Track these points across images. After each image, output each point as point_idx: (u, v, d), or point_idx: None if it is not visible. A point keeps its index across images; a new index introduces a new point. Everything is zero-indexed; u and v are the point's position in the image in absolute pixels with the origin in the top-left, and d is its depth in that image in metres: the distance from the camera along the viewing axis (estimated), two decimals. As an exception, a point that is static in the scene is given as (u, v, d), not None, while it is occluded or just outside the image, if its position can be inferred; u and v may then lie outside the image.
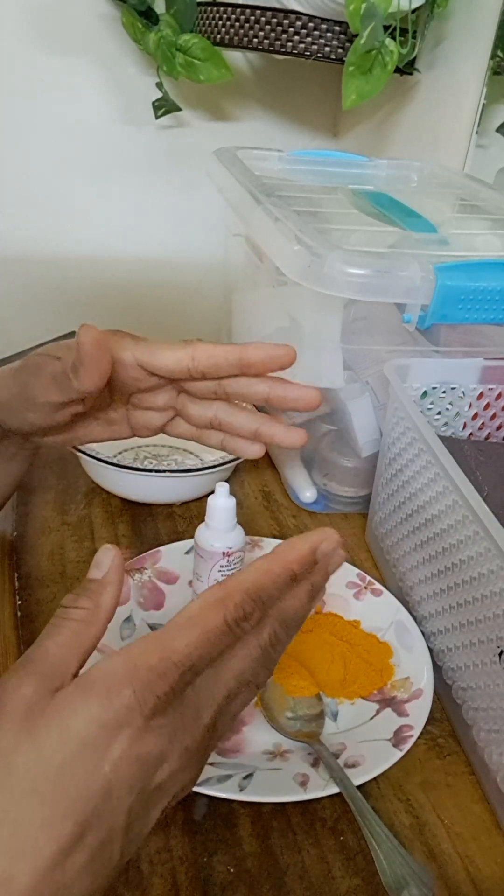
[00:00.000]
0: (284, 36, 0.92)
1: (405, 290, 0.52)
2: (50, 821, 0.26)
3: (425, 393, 0.60)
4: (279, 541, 0.62)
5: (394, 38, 0.86)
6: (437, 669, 0.50)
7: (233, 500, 0.52)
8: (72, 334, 1.05)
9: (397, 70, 0.90)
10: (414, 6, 0.85)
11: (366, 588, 0.58)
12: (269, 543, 0.61)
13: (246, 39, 0.95)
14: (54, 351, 0.43)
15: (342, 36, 0.91)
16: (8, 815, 0.26)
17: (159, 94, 1.12)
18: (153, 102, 1.13)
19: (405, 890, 0.37)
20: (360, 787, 0.42)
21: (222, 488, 0.52)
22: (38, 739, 0.27)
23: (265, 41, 0.94)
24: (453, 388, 0.61)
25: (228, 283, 0.92)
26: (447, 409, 0.62)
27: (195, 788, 0.40)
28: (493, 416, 0.63)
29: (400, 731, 0.46)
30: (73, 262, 1.28)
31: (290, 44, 0.93)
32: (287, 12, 0.91)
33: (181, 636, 0.29)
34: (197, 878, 0.40)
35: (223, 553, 0.52)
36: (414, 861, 0.39)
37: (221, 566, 0.53)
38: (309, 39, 0.92)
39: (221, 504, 0.52)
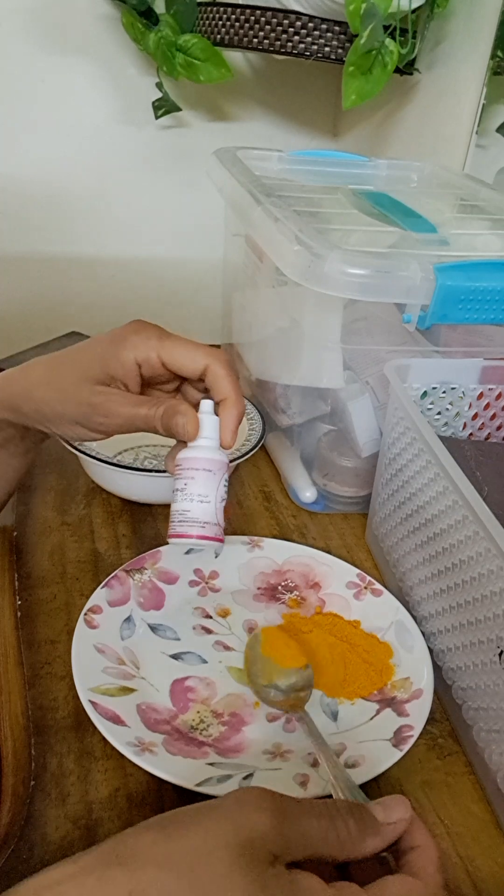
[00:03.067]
0: (284, 36, 0.92)
1: (405, 290, 0.52)
2: None
3: (425, 393, 0.60)
4: (279, 541, 0.62)
5: (394, 38, 0.86)
6: (437, 669, 0.50)
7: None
8: (72, 334, 1.05)
9: (397, 70, 0.90)
10: (414, 6, 0.85)
11: (366, 588, 0.58)
12: (269, 543, 0.61)
13: (246, 39, 0.95)
14: (111, 375, 0.47)
15: (342, 36, 0.91)
16: None
17: (159, 94, 1.12)
18: (153, 102, 1.13)
19: None
20: (359, 787, 0.42)
21: (208, 402, 0.48)
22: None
23: (265, 41, 0.94)
24: (453, 388, 0.61)
25: (228, 283, 0.92)
26: (447, 409, 0.62)
27: (196, 788, 0.40)
28: (493, 416, 0.63)
29: (400, 731, 0.46)
30: (73, 262, 1.28)
31: (290, 44, 0.93)
32: (287, 12, 0.91)
33: None
34: (197, 878, 0.40)
35: (227, 464, 0.49)
36: None
37: (226, 481, 0.49)
38: (309, 39, 0.92)
39: (215, 417, 0.48)
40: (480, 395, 0.61)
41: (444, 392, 0.60)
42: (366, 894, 0.30)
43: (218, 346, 0.50)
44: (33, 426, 0.51)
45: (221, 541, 0.48)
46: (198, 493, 0.47)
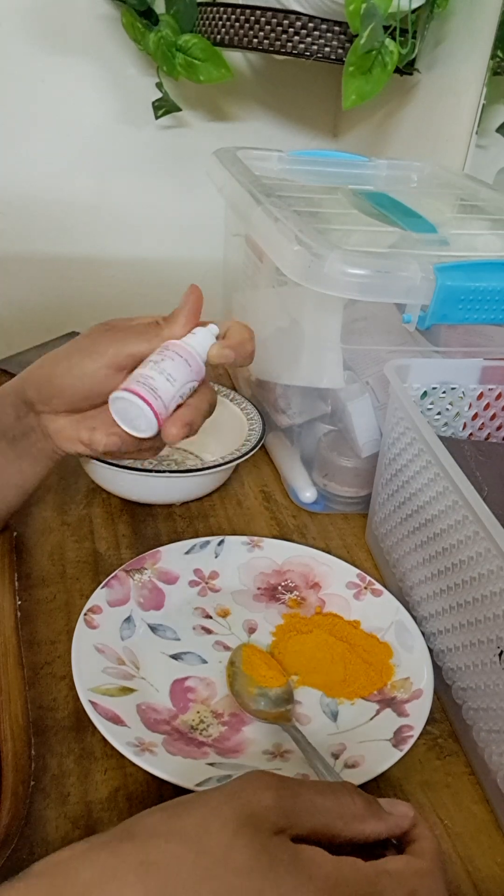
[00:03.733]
0: (284, 36, 0.92)
1: (405, 290, 0.52)
2: None
3: (425, 393, 0.60)
4: (279, 541, 0.62)
5: (394, 38, 0.86)
6: (437, 669, 0.50)
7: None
8: (72, 335, 1.06)
9: (397, 70, 0.90)
10: (414, 6, 0.85)
11: (366, 588, 0.58)
12: (269, 543, 0.61)
13: (246, 39, 0.95)
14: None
15: (342, 36, 0.91)
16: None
17: (159, 94, 1.12)
18: (153, 102, 1.13)
19: None
20: (359, 787, 0.42)
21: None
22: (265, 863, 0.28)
23: (265, 41, 0.94)
24: (453, 388, 0.61)
25: (228, 283, 0.92)
26: (447, 409, 0.62)
27: (196, 788, 0.40)
28: (493, 416, 0.63)
29: (400, 731, 0.46)
30: (73, 262, 1.28)
31: (290, 44, 0.93)
32: (287, 12, 0.91)
33: None
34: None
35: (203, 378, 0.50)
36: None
37: (192, 388, 0.49)
38: (309, 39, 0.92)
39: (212, 338, 0.50)
40: (480, 395, 0.61)
41: (444, 392, 0.60)
42: (368, 867, 0.30)
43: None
44: (46, 409, 0.52)
45: (159, 425, 0.48)
46: (168, 372, 0.47)
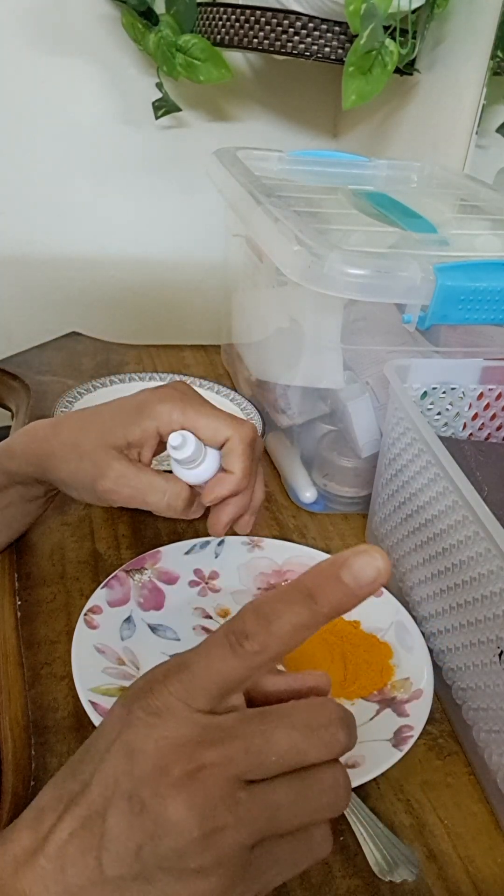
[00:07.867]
0: (284, 36, 0.92)
1: (405, 290, 0.52)
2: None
3: (425, 393, 0.60)
4: (279, 541, 0.62)
5: (394, 38, 0.86)
6: (437, 670, 0.50)
7: (190, 437, 0.48)
8: (72, 335, 1.05)
9: (397, 70, 0.90)
10: (414, 6, 0.85)
11: (366, 588, 0.58)
12: (269, 543, 0.61)
13: (246, 40, 0.95)
14: (129, 441, 0.48)
15: (342, 36, 0.91)
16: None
17: (159, 95, 1.12)
18: (153, 103, 1.13)
19: (395, 871, 0.37)
20: (359, 788, 0.42)
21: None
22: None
23: (265, 41, 0.94)
24: (453, 389, 0.61)
25: (228, 284, 0.92)
26: (447, 409, 0.62)
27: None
28: (493, 417, 0.63)
29: (400, 731, 0.46)
30: (73, 262, 1.29)
31: (290, 44, 0.93)
32: (287, 12, 0.91)
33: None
34: (197, 879, 0.40)
35: None
36: (400, 842, 0.39)
37: None
38: (309, 40, 0.92)
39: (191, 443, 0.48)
40: (480, 395, 0.61)
41: (444, 392, 0.60)
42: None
43: (241, 417, 0.51)
44: (55, 485, 0.52)
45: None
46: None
